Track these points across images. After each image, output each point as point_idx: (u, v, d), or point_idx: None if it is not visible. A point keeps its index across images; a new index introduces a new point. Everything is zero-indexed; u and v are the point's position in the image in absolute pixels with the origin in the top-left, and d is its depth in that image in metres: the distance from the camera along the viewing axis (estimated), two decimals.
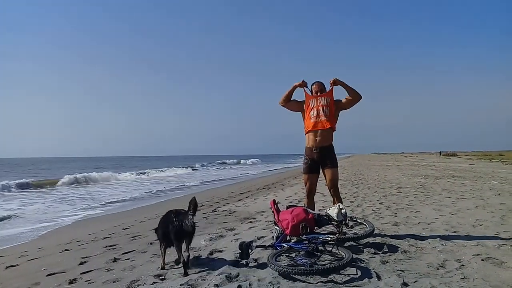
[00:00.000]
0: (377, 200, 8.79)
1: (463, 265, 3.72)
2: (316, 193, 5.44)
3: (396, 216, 6.55)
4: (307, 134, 5.19)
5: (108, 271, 4.04)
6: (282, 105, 5.29)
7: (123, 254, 4.81)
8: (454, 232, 5.21)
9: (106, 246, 5.40)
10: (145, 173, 32.36)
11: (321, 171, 5.19)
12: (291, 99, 5.25)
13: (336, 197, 5.11)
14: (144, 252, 4.81)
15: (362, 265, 3.72)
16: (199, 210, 8.76)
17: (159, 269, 3.89)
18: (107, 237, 6.27)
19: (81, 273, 4.03)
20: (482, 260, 3.87)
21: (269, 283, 3.28)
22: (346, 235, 4.59)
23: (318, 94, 5.14)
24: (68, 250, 5.49)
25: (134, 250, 4.96)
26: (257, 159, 78.01)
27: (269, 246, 4.31)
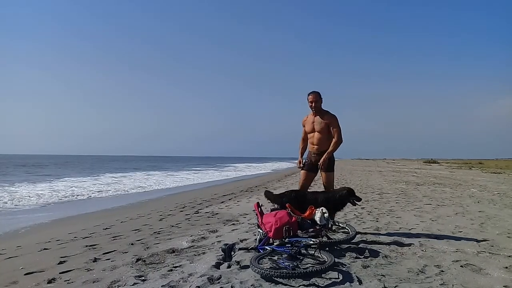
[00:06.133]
0: (359, 205, 8.85)
1: (442, 271, 3.77)
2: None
3: (377, 221, 6.62)
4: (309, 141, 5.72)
5: (88, 271, 3.98)
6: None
7: (103, 254, 4.74)
8: (434, 238, 5.28)
9: (86, 246, 5.32)
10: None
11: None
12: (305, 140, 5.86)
13: None
14: (125, 252, 4.76)
15: (344, 269, 3.74)
16: (181, 211, 8.72)
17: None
18: (87, 237, 6.18)
19: (60, 273, 3.96)
20: (461, 266, 3.93)
21: (251, 285, 3.28)
22: (329, 239, 4.62)
23: (313, 106, 5.50)
24: (47, 249, 5.40)
25: (114, 251, 4.89)
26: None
27: (252, 248, 4.30)
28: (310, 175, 5.69)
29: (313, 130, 5.55)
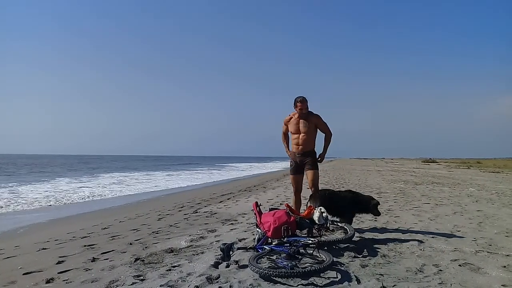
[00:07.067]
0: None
1: (441, 270, 3.78)
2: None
3: (376, 220, 6.61)
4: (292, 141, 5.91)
5: (87, 270, 3.97)
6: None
7: (102, 254, 4.73)
8: (433, 237, 5.28)
9: (85, 246, 5.32)
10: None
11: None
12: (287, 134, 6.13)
13: None
14: (124, 252, 4.75)
15: (342, 268, 3.74)
16: (180, 211, 8.72)
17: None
18: (85, 236, 6.17)
19: (58, 272, 3.95)
20: (460, 265, 3.94)
21: (249, 285, 3.27)
22: (327, 239, 4.62)
23: (302, 112, 5.65)
24: (45, 248, 5.39)
25: (113, 250, 4.89)
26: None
27: (250, 248, 4.30)
28: (300, 177, 5.92)
29: (298, 132, 5.72)
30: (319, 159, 5.83)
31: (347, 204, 5.39)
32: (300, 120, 5.66)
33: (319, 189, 5.72)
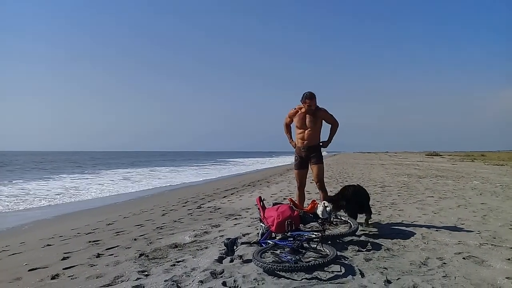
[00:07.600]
0: None
1: (445, 263, 3.78)
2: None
3: (379, 214, 6.61)
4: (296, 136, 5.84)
5: (91, 266, 4.00)
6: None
7: (106, 249, 4.76)
8: (437, 230, 5.28)
9: (89, 242, 5.35)
10: None
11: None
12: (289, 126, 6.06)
13: (322, 190, 5.64)
14: (128, 247, 4.77)
15: (346, 262, 3.75)
16: (184, 206, 8.74)
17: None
18: (90, 232, 6.20)
19: (63, 268, 3.98)
20: (464, 258, 3.93)
21: (254, 279, 3.28)
22: (331, 233, 4.62)
23: (310, 108, 5.55)
24: (50, 245, 5.42)
25: (118, 246, 4.91)
26: None
27: (254, 242, 4.30)
28: (304, 172, 5.86)
29: (304, 127, 5.65)
30: (322, 144, 5.78)
31: (366, 199, 5.51)
32: (307, 116, 5.59)
33: (347, 185, 5.79)
